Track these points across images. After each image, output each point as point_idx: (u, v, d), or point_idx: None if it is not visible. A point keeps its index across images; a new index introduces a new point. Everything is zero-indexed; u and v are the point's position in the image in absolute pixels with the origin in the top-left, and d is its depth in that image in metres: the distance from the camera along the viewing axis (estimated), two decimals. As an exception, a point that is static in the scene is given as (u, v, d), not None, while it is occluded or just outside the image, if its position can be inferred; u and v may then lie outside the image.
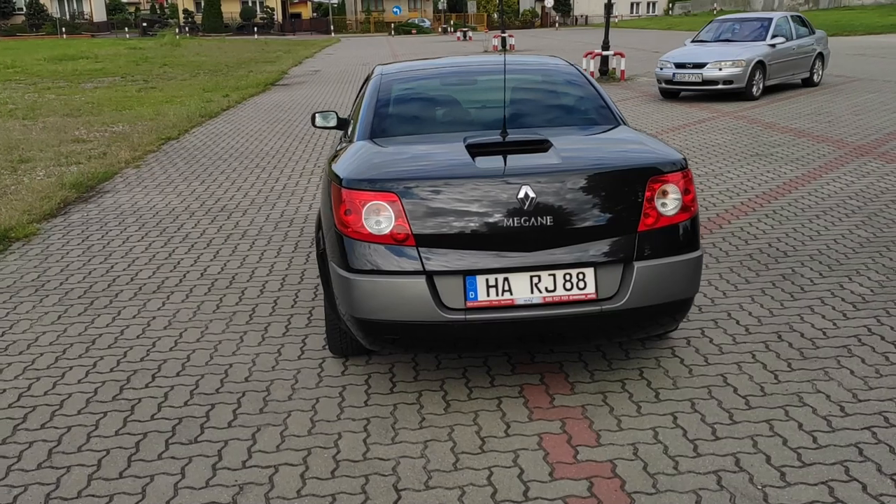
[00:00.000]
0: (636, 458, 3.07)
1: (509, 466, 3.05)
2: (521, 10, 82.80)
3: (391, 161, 3.59)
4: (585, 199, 3.27)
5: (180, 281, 5.36)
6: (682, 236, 3.37)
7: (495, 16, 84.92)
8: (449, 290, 3.22)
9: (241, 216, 7.10)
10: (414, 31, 68.04)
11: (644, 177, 3.31)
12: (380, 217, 3.24)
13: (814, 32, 15.86)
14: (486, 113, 4.18)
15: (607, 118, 4.12)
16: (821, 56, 15.69)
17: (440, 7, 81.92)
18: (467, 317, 3.19)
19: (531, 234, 3.20)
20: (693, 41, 15.75)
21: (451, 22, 70.27)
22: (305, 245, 6.10)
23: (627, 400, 3.53)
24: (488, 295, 3.23)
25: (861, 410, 3.35)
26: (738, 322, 4.33)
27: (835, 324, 4.26)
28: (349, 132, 4.56)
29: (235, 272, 5.53)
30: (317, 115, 5.51)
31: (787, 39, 14.59)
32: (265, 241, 6.26)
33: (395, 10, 77.17)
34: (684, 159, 3.45)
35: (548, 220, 3.20)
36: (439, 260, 3.21)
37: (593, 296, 3.26)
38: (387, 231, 3.23)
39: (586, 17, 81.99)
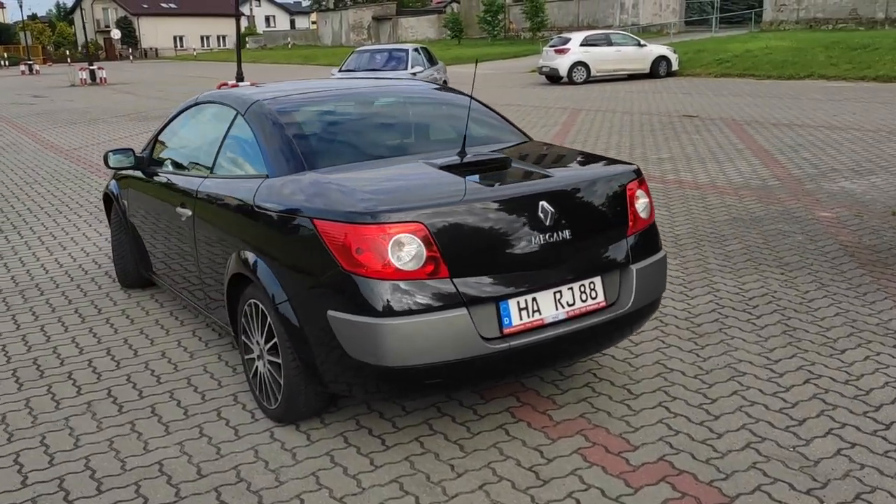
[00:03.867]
0: (678, 450, 3.19)
1: (597, 488, 2.96)
2: (82, 42, 76.51)
3: (390, 189, 3.19)
4: (587, 210, 3.33)
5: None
6: (655, 237, 3.60)
7: (50, 48, 77.31)
8: (484, 319, 3.00)
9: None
10: (-44, 66, 58.74)
11: (623, 184, 3.46)
12: (404, 251, 2.89)
13: (437, 63, 17.60)
14: (420, 136, 3.95)
15: (518, 135, 4.18)
16: (445, 83, 17.45)
17: (-16, 38, 71.89)
18: (511, 344, 3.01)
19: (552, 249, 3.14)
20: (341, 70, 16.34)
21: (6, 55, 62.08)
22: (107, 306, 5.02)
23: (610, 401, 3.63)
24: (521, 318, 3.09)
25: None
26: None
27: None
28: (224, 166, 3.94)
29: (38, 354, 4.34)
30: (111, 154, 4.61)
31: (424, 68, 15.98)
32: (49, 309, 5.00)
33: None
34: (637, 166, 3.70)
35: (566, 234, 3.17)
36: (472, 288, 2.98)
37: (603, 303, 3.31)
38: (416, 265, 2.90)
39: (156, 49, 79.06)
